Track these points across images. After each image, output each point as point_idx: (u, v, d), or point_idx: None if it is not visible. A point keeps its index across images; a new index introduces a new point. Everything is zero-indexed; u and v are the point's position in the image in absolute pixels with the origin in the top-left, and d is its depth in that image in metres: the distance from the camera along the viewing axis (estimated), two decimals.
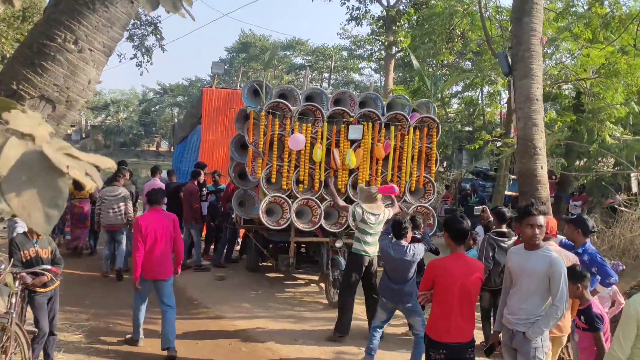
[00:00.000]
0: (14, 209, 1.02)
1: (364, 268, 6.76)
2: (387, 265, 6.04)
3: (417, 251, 5.85)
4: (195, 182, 10.18)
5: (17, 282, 4.64)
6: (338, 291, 7.41)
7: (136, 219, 6.33)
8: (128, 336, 6.29)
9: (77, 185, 9.69)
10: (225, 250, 10.73)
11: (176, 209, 10.28)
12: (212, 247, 11.05)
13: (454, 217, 4.35)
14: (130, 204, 9.42)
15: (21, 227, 6.23)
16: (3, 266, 4.49)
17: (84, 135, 57.00)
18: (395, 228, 5.97)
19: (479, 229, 7.18)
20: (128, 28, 14.23)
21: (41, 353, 5.15)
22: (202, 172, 10.38)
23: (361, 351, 6.21)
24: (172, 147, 38.21)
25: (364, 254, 6.71)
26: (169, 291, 6.08)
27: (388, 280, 5.92)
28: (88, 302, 7.48)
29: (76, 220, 10.29)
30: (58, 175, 1.06)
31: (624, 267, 6.35)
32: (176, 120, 38.11)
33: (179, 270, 6.40)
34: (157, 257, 5.93)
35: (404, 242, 5.88)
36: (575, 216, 6.14)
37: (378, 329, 5.98)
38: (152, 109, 61.20)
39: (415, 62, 10.03)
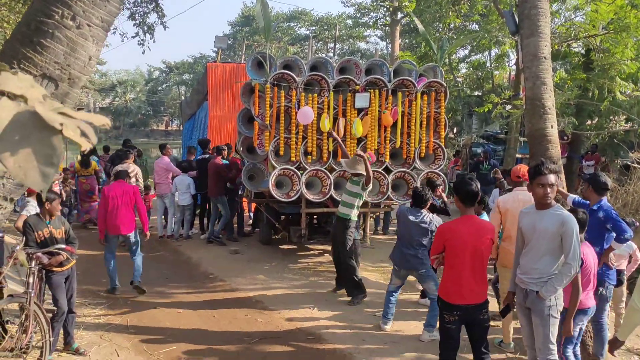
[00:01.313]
0: (10, 169, 1.02)
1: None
2: (401, 228, 6.09)
3: (434, 220, 5.91)
4: (220, 158, 10.28)
5: (33, 262, 4.70)
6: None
7: (103, 189, 7.36)
8: (108, 288, 7.35)
9: (83, 164, 11.52)
10: (236, 225, 10.81)
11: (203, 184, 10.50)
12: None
13: (463, 179, 4.33)
14: (141, 179, 9.78)
15: (33, 208, 6.30)
16: (18, 247, 4.54)
17: None
18: (416, 198, 6.01)
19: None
20: (128, 6, 14.01)
21: (61, 331, 5.25)
22: (226, 148, 10.53)
23: (377, 317, 6.27)
24: (180, 126, 38.23)
25: (355, 218, 7.21)
26: (134, 242, 7.32)
27: (401, 245, 5.97)
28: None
29: (84, 196, 11.70)
30: (52, 133, 1.06)
31: (639, 223, 6.31)
32: (183, 98, 38.01)
33: (147, 234, 7.59)
34: (118, 217, 7.15)
35: (423, 210, 5.94)
36: (590, 175, 6.10)
37: (394, 294, 6.05)
38: (159, 88, 61.14)
39: (420, 26, 9.88)
